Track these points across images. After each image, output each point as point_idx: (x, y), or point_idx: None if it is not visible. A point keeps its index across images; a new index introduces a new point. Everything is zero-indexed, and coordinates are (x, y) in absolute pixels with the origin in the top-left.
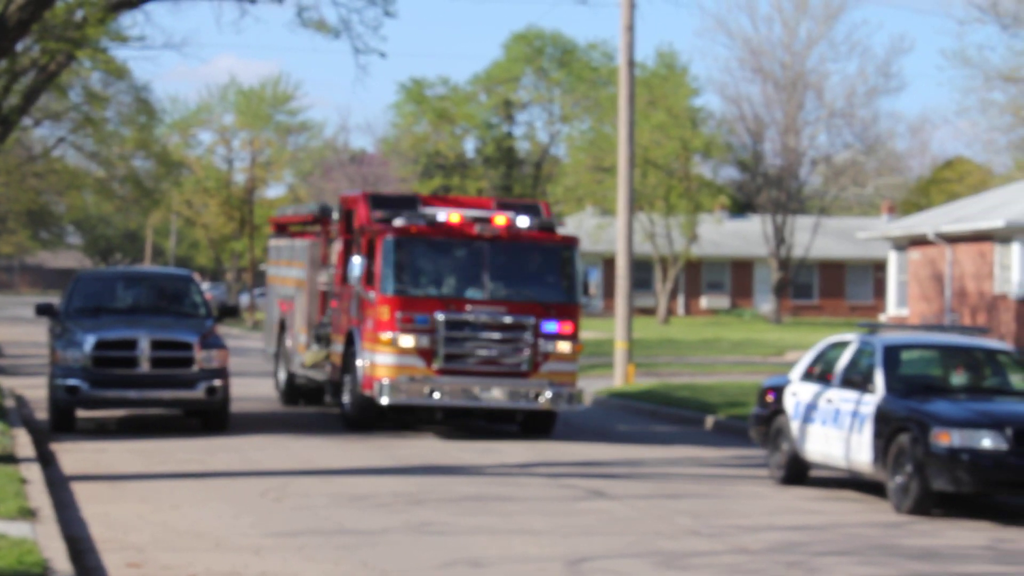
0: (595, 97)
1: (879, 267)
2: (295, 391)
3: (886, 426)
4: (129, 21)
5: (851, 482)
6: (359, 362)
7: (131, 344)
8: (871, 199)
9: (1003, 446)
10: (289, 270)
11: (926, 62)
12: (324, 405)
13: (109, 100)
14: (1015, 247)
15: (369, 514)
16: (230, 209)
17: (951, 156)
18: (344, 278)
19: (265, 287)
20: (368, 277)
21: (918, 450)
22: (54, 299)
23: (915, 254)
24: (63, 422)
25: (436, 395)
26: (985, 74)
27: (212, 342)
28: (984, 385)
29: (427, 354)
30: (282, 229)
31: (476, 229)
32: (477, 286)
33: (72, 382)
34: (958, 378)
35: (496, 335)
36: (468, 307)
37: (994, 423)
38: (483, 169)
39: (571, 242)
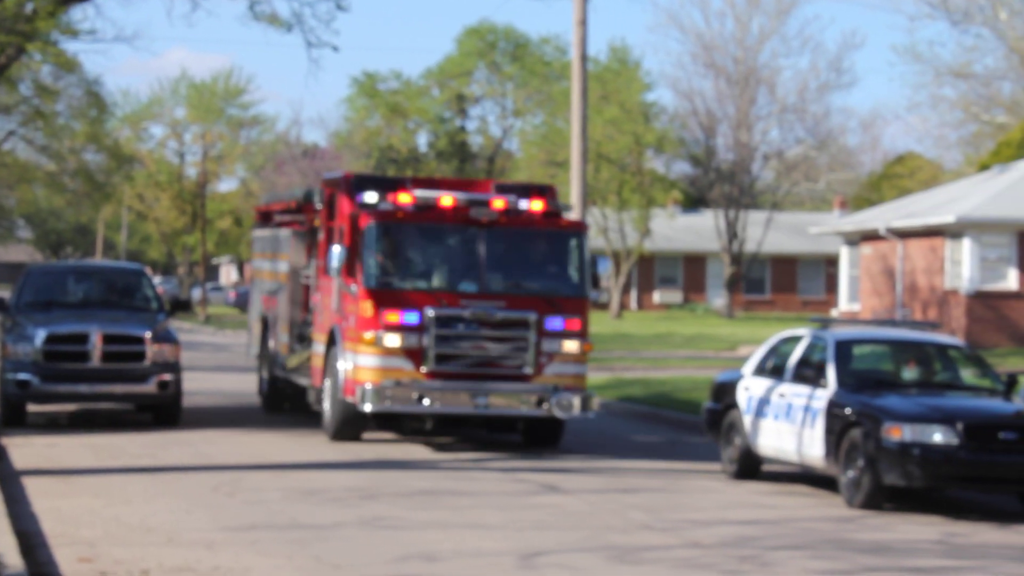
0: (548, 91)
1: (831, 262)
2: (278, 396)
3: (838, 421)
4: (80, 14)
5: (803, 476)
6: (340, 364)
7: (82, 338)
8: (823, 194)
9: (954, 441)
10: (272, 263)
11: (877, 57)
12: (311, 412)
13: (60, 93)
14: (966, 242)
15: (322, 508)
16: (182, 203)
17: (902, 151)
18: (326, 270)
19: (249, 281)
20: (350, 268)
21: (870, 445)
22: (4, 293)
23: (867, 249)
24: (14, 416)
25: (426, 401)
26: (936, 70)
27: (164, 336)
28: (935, 380)
29: (416, 355)
30: (266, 218)
31: (472, 213)
32: (473, 278)
33: (23, 376)
34: (909, 373)
35: (494, 333)
36: (462, 302)
37: (945, 418)
38: (436, 163)
39: (579, 228)
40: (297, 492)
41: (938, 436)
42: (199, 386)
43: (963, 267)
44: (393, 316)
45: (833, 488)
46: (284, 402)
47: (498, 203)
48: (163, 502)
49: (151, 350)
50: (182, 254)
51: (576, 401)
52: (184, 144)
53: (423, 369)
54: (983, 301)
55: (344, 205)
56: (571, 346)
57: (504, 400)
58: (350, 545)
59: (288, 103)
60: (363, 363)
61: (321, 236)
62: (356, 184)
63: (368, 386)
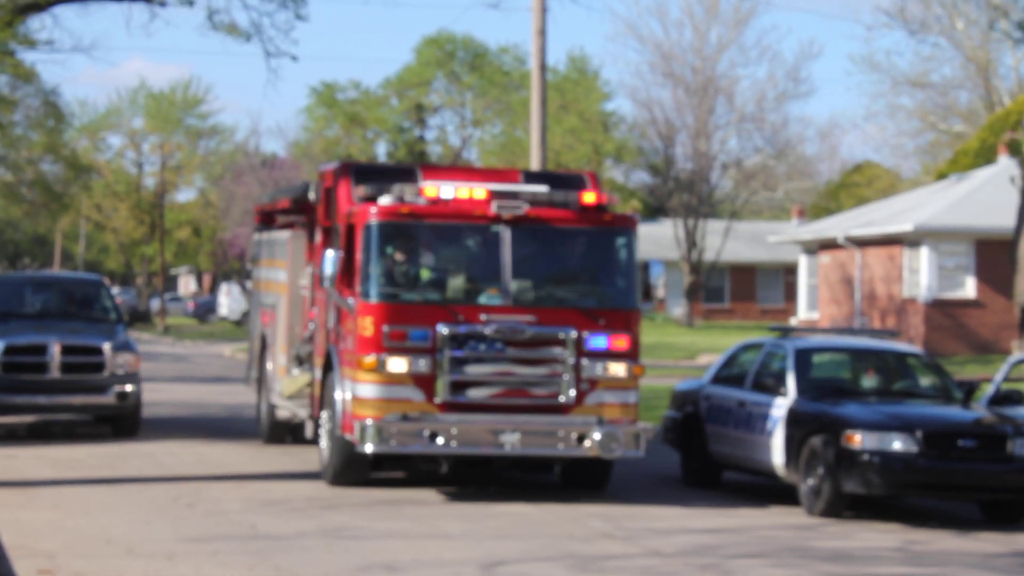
0: (507, 101)
1: (790, 271)
2: (279, 427)
3: (798, 429)
4: (37, 24)
5: (764, 485)
6: (337, 394)
7: (41, 349)
8: (781, 203)
9: (913, 448)
10: (270, 271)
11: (835, 67)
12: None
13: (17, 104)
14: (924, 251)
15: (283, 519)
16: (140, 213)
17: (860, 160)
18: (321, 279)
19: (251, 293)
20: (346, 277)
21: (829, 453)
22: None
23: (825, 258)
24: None
25: (440, 440)
26: (893, 79)
27: (123, 347)
28: (894, 388)
29: (427, 382)
30: (268, 220)
31: (494, 208)
32: (496, 287)
33: None
34: (869, 381)
35: (523, 354)
36: (483, 316)
37: (904, 426)
38: None
39: (626, 225)
40: (257, 503)
41: (897, 444)
42: (158, 397)
43: (921, 275)
44: (399, 335)
45: (793, 496)
46: (286, 434)
47: (526, 195)
48: (123, 513)
49: (110, 361)
50: (140, 264)
51: (625, 437)
52: (142, 154)
53: (436, 400)
54: (941, 309)
55: (342, 200)
56: (618, 369)
57: (536, 437)
58: (311, 555)
59: (247, 113)
60: (363, 393)
61: (318, 238)
62: (356, 175)
63: (369, 422)
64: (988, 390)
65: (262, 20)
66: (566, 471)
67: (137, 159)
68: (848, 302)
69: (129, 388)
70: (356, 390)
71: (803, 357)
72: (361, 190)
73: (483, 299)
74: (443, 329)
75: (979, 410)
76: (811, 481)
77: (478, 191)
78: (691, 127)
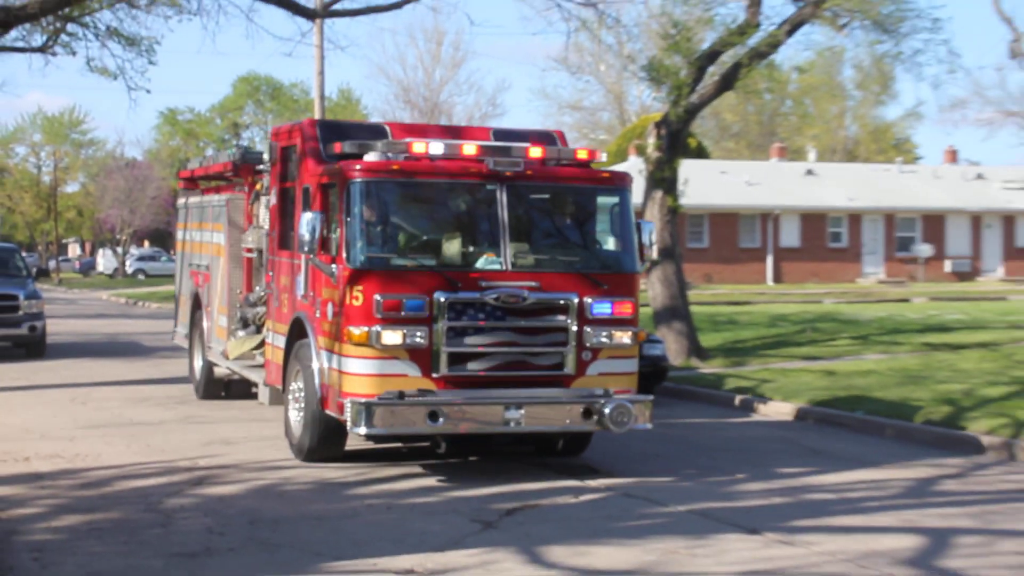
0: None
1: None
2: (215, 383)
3: None
4: None
5: None
6: (315, 364)
7: None
8: None
9: None
10: (203, 234)
11: (520, 96)
12: (252, 397)
13: None
14: None
15: (150, 411)
16: (39, 200)
17: None
18: (282, 243)
19: (175, 254)
20: (326, 241)
21: None
22: None
23: None
24: None
25: (441, 420)
26: (559, 105)
27: (32, 294)
28: None
29: (423, 356)
30: (194, 185)
31: (491, 165)
32: (494, 250)
33: None
34: None
35: (524, 323)
36: (482, 283)
37: None
38: None
39: (623, 183)
40: (132, 400)
41: None
42: (57, 329)
43: None
44: (392, 305)
45: None
46: (220, 390)
47: (519, 151)
48: (36, 411)
49: (23, 304)
50: (40, 236)
51: (636, 410)
52: (40, 159)
53: (434, 374)
54: None
55: (311, 160)
56: (622, 336)
57: (542, 412)
58: (171, 435)
59: (115, 129)
60: (351, 368)
61: (272, 201)
62: (324, 132)
63: (361, 401)
64: None
65: (125, 65)
66: (544, 439)
67: (37, 163)
68: None
69: (37, 323)
70: (343, 365)
71: None
72: (338, 147)
73: (482, 263)
74: (440, 297)
75: None
76: None
77: (468, 147)
78: None
